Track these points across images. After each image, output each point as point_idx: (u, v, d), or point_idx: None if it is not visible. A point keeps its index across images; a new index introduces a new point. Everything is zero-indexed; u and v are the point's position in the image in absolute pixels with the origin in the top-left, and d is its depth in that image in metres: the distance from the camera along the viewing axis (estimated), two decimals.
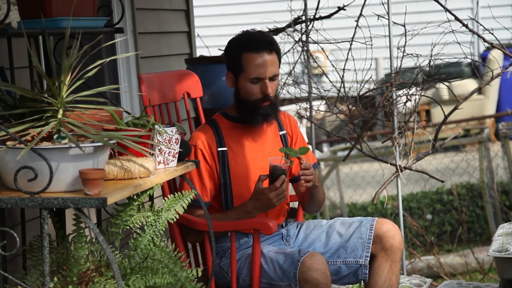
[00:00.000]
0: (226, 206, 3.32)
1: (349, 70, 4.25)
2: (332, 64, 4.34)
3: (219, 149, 3.31)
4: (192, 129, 3.56)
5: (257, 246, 3.13)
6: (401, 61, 4.11)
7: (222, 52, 4.51)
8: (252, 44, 3.24)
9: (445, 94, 9.80)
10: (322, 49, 4.55)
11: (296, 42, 4.52)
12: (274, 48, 3.27)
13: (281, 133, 3.45)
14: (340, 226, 3.35)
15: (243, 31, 3.34)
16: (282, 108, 3.51)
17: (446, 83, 4.23)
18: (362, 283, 3.35)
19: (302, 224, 3.46)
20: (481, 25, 4.11)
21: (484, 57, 9.60)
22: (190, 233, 3.29)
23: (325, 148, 10.15)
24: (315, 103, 4.72)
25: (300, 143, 3.50)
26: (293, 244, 3.39)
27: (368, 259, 3.26)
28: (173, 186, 3.41)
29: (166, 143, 2.90)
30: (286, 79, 4.65)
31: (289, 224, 3.47)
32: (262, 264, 3.16)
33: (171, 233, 3.30)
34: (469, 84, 9.12)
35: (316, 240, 3.36)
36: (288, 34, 4.56)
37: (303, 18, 4.56)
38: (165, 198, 2.96)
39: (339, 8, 4.40)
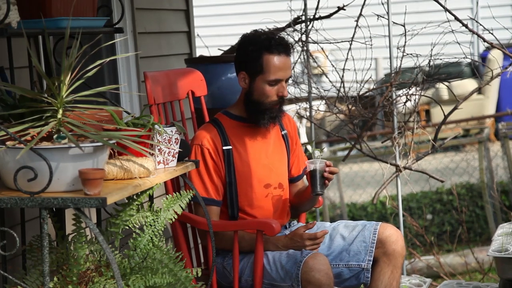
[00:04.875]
0: (231, 205, 3.32)
1: (349, 70, 4.24)
2: (332, 64, 4.33)
3: (224, 148, 3.31)
4: (196, 128, 3.56)
5: (259, 246, 3.13)
6: (401, 61, 4.11)
7: (222, 52, 4.54)
8: (273, 46, 3.22)
9: (445, 94, 9.80)
10: (322, 49, 4.55)
11: (296, 42, 4.52)
12: (291, 52, 3.28)
13: (283, 132, 3.46)
14: (343, 229, 3.35)
15: (257, 30, 3.33)
16: None
17: (446, 83, 4.24)
18: (363, 287, 3.35)
19: None
20: (481, 25, 4.10)
21: (484, 57, 9.60)
22: (223, 241, 3.28)
23: (325, 148, 10.15)
24: (315, 103, 4.71)
25: (299, 149, 3.51)
26: None
27: (371, 263, 3.25)
28: (176, 185, 3.41)
29: (165, 143, 2.90)
30: None
31: (293, 225, 3.47)
32: (264, 265, 3.16)
33: (173, 233, 3.30)
34: (469, 84, 9.12)
35: None
36: (288, 34, 4.55)
37: (303, 18, 4.56)
38: (167, 196, 2.97)
39: (339, 8, 4.39)
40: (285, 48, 3.24)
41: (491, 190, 6.74)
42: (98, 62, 2.67)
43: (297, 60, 4.57)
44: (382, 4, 4.09)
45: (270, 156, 3.37)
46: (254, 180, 3.32)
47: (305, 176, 3.57)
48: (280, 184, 3.38)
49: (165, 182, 3.26)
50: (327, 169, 3.20)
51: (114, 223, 2.78)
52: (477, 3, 11.02)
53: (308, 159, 3.24)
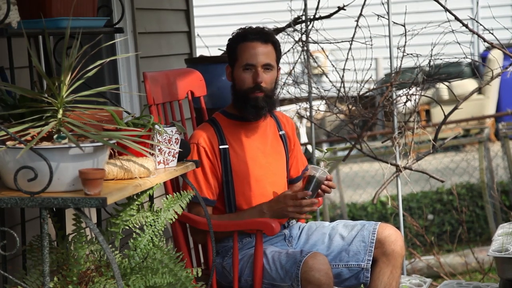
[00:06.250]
0: (229, 204, 3.32)
1: (349, 70, 4.25)
2: (332, 64, 4.34)
3: (220, 147, 3.32)
4: (196, 128, 3.56)
5: (259, 246, 3.13)
6: (401, 61, 4.11)
7: (222, 52, 4.53)
8: (247, 35, 3.30)
9: (445, 94, 9.80)
10: (322, 49, 4.55)
11: (296, 42, 4.52)
12: (269, 39, 3.31)
13: (280, 133, 3.46)
14: (342, 229, 3.35)
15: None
16: (282, 108, 3.52)
17: (446, 83, 4.23)
18: (363, 286, 3.35)
19: (304, 226, 3.46)
20: (481, 25, 4.11)
21: (484, 57, 9.60)
22: (198, 233, 3.29)
23: (325, 148, 10.14)
24: (315, 103, 4.71)
25: (297, 150, 3.51)
26: (295, 245, 3.39)
27: (370, 263, 3.25)
28: (176, 185, 3.41)
29: (166, 143, 2.90)
30: (286, 79, 4.65)
31: (292, 224, 3.47)
32: (264, 265, 3.16)
33: (173, 233, 3.30)
34: (469, 84, 9.12)
35: (318, 242, 3.35)
36: (288, 34, 4.56)
37: (303, 18, 4.56)
38: (167, 196, 2.97)
39: (339, 8, 4.40)
40: (259, 35, 3.29)
41: (491, 190, 6.74)
42: (98, 62, 2.67)
43: (297, 60, 4.57)
44: (382, 4, 4.09)
45: (267, 155, 3.37)
46: (251, 178, 3.32)
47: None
48: (277, 183, 3.38)
49: (164, 182, 3.26)
50: (325, 182, 3.22)
51: (114, 223, 2.78)
52: (477, 3, 11.02)
53: (308, 160, 3.25)
